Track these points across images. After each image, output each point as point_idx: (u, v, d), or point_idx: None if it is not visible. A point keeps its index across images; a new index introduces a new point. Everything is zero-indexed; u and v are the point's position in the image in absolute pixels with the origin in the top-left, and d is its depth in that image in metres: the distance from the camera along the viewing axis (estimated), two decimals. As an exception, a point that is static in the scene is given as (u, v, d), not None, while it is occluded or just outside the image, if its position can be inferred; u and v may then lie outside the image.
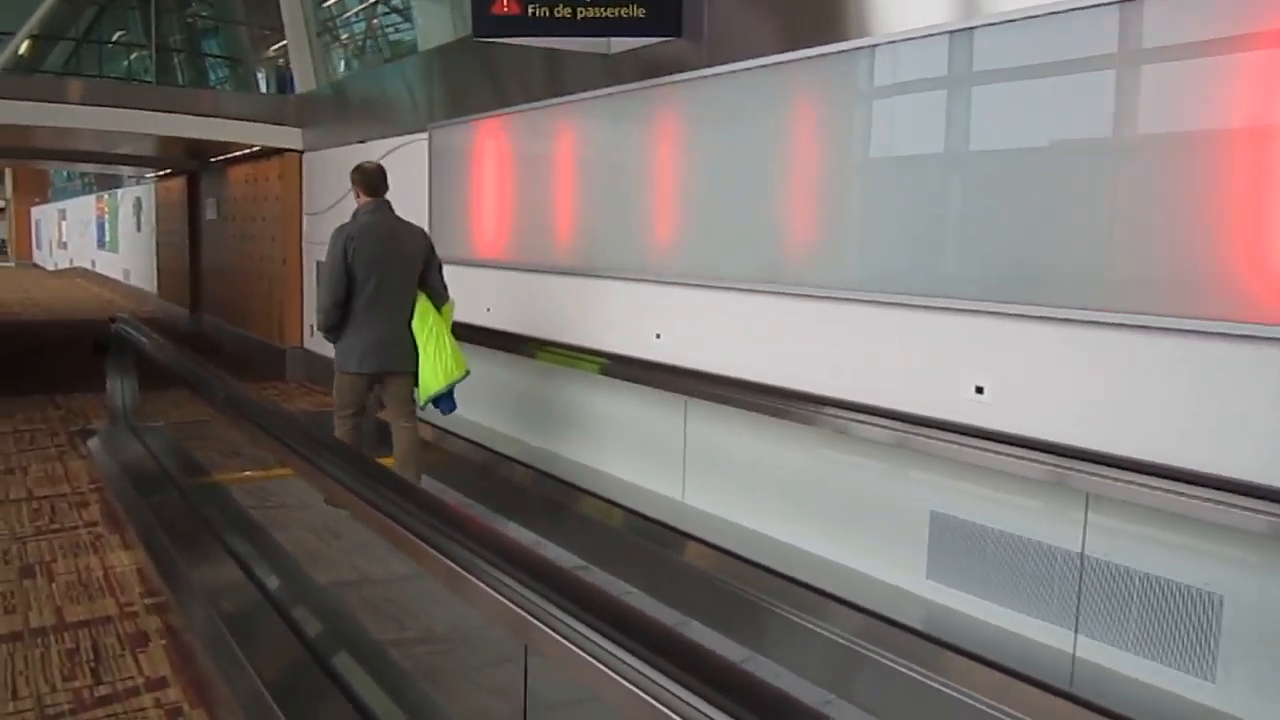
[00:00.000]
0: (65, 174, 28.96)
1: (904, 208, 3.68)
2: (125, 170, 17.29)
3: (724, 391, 4.31)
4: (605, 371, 5.16)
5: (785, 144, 4.17)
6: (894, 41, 3.62)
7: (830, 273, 3.96)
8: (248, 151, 10.37)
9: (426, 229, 6.89)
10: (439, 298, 5.14)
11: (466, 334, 6.33)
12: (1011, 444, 3.32)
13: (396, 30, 10.80)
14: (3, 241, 37.92)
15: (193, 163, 13.31)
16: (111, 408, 6.38)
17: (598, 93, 5.21)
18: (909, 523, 3.72)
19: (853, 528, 3.94)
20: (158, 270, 16.09)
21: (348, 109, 8.75)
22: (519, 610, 1.84)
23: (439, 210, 6.94)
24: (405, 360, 4.99)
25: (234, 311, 11.48)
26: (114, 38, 14.39)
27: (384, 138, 7.85)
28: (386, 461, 6.50)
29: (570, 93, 5.48)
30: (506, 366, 6.15)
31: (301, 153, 9.67)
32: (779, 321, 4.20)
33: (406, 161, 7.50)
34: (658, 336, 4.93)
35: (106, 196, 21.36)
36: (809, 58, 3.98)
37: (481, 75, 6.49)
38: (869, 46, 3.74)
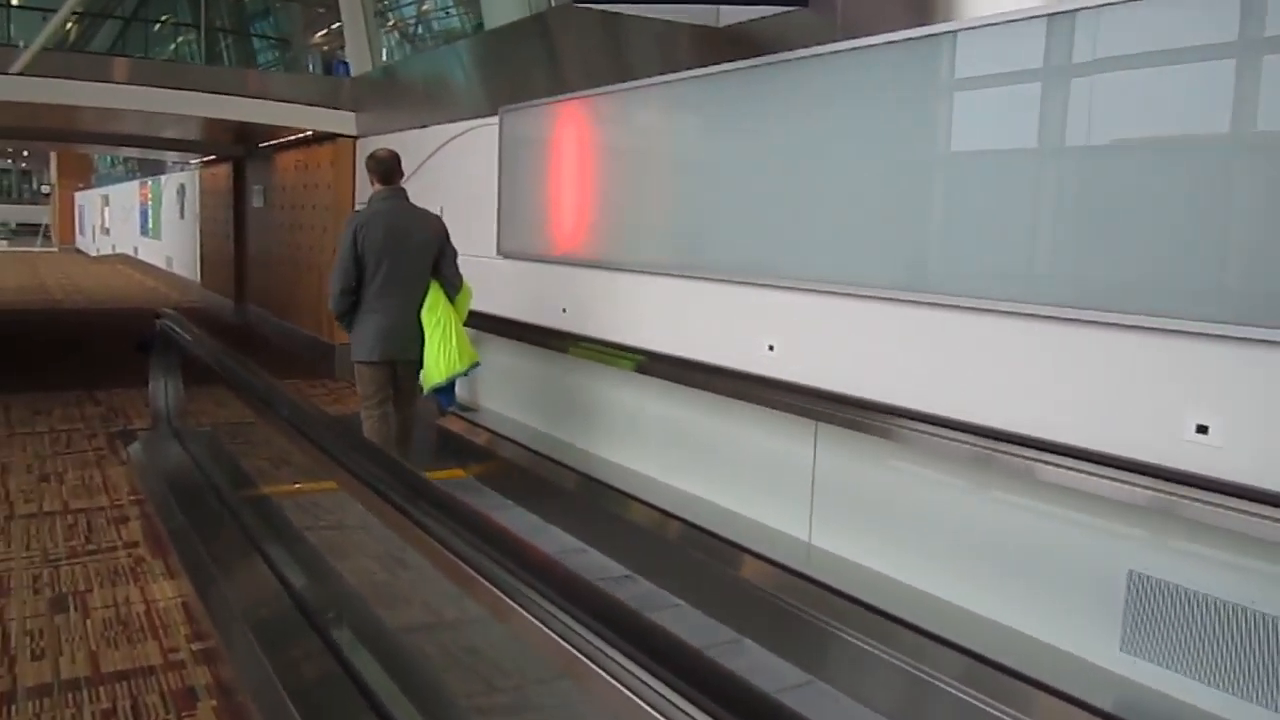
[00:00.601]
0: (109, 159, 28.81)
1: (1122, 207, 3.05)
2: (170, 155, 16.90)
3: (865, 417, 3.70)
4: (706, 385, 4.56)
5: (947, 127, 3.55)
6: (1104, 5, 2.99)
7: (1006, 282, 3.34)
8: (298, 137, 9.87)
9: (495, 221, 6.37)
10: (451, 287, 5.11)
11: (539, 337, 5.78)
12: (1245, 497, 2.70)
13: (447, 14, 10.26)
14: (46, 226, 37.96)
15: (239, 148, 12.86)
16: (154, 410, 5.88)
17: (705, 71, 4.62)
18: (1100, 583, 3.10)
19: (1027, 585, 3.32)
20: (201, 259, 15.69)
21: (406, 92, 8.20)
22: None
23: (509, 201, 6.37)
24: (413, 350, 4.99)
25: (280, 304, 11.01)
26: (161, 19, 13.97)
27: (447, 122, 7.29)
28: (442, 476, 5.98)
29: (667, 71, 4.90)
30: (586, 375, 5.57)
31: (356, 138, 9.15)
32: (936, 336, 3.59)
33: (471, 148, 6.95)
34: (771, 349, 4.33)
35: (150, 182, 21.04)
36: (978, 26, 3.36)
37: (562, 54, 5.91)
38: (1065, 13, 3.11)
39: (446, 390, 5.18)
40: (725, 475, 4.61)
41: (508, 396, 6.52)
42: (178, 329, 5.47)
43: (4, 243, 39.01)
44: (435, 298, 5.03)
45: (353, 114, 9.10)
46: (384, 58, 9.37)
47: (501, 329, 6.34)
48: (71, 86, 7.97)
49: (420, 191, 7.80)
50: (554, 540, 4.91)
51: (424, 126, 7.69)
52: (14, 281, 20.03)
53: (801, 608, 3.66)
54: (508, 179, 6.38)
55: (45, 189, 41.11)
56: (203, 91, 8.61)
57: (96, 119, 10.25)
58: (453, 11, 10.35)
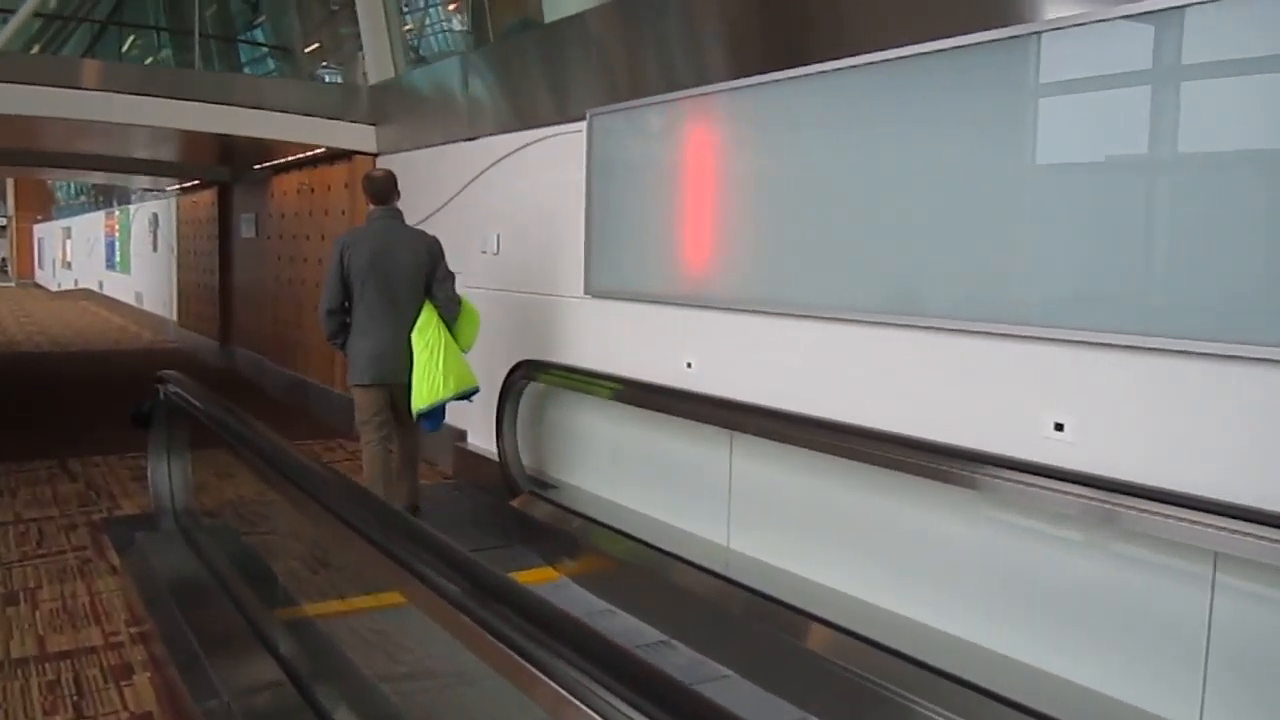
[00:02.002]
0: (71, 188, 27.23)
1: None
2: (140, 181, 15.45)
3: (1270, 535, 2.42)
4: (950, 475, 3.27)
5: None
6: None
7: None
8: (303, 156, 8.52)
9: (577, 253, 5.09)
10: (446, 310, 5.00)
11: (653, 400, 4.47)
12: None
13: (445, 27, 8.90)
14: (3, 260, 36.21)
15: (224, 171, 11.49)
16: (157, 502, 4.49)
17: (903, 52, 3.38)
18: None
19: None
20: (178, 295, 14.22)
21: (442, 101, 6.89)
22: None
23: (602, 228, 5.08)
24: (405, 371, 4.89)
25: (279, 348, 9.61)
26: (140, 24, 12.56)
27: (502, 132, 6.00)
28: (532, 577, 4.66)
29: (841, 56, 3.65)
30: (717, 448, 4.27)
31: (375, 155, 7.82)
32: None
33: (539, 164, 5.67)
34: (1059, 428, 3.06)
35: (118, 212, 19.53)
36: None
37: (676, 40, 4.65)
38: None
39: (432, 415, 4.98)
40: (978, 604, 3.32)
41: (600, 470, 5.20)
42: (189, 397, 4.11)
43: (-42, 278, 37.12)
44: (426, 319, 4.91)
45: (372, 128, 7.77)
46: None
47: (588, 386, 5.04)
48: (35, 94, 6.60)
49: (464, 219, 6.52)
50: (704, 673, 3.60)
51: (472, 139, 6.39)
52: (-32, 321, 18.42)
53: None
54: (600, 200, 5.08)
55: (1, 221, 39.27)
56: (192, 100, 7.23)
57: (62, 135, 8.83)
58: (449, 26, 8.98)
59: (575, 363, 5.22)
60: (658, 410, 4.47)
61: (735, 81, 4.20)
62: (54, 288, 28.93)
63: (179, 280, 14.13)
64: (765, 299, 4.10)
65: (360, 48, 7.99)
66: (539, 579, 4.72)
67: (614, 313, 5.07)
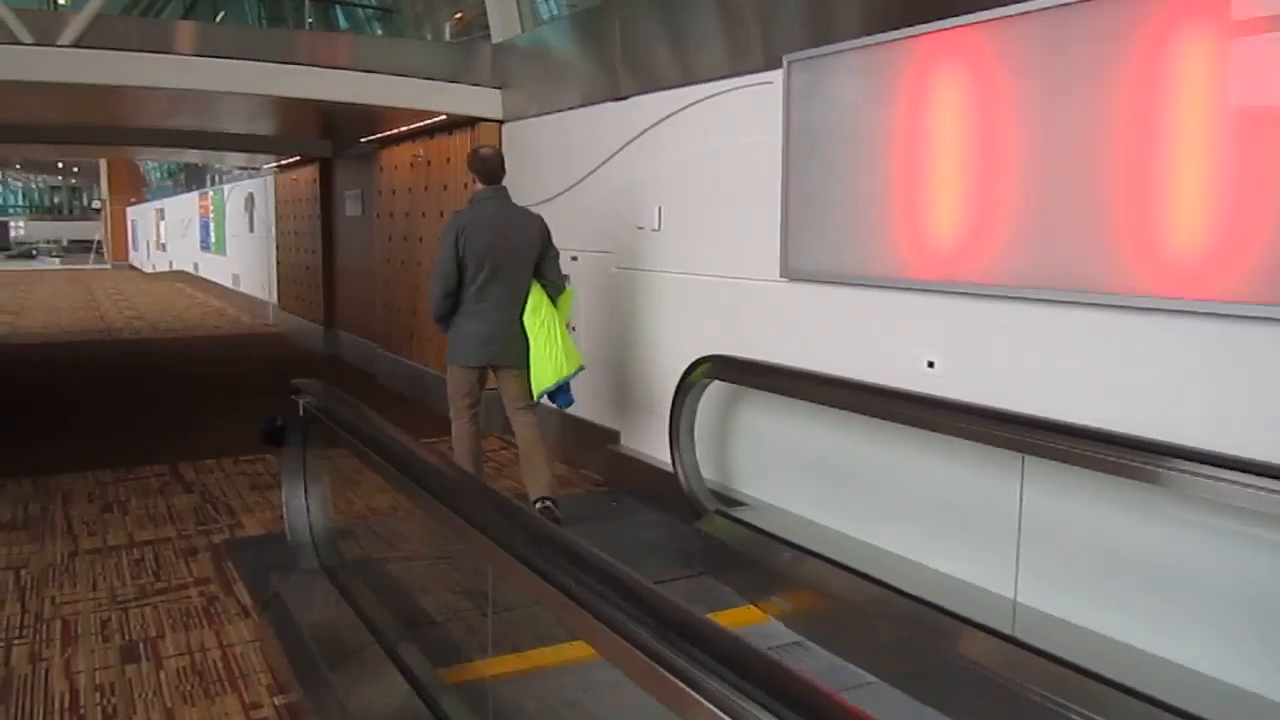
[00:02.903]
0: (162, 170, 27.17)
1: None
2: (235, 160, 14.98)
3: None
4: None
5: None
6: None
7: None
8: (417, 126, 7.78)
9: (771, 229, 4.23)
10: (554, 289, 4.90)
11: (895, 409, 3.61)
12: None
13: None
14: (99, 242, 36.63)
15: (325, 146, 10.84)
16: (293, 536, 3.76)
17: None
18: None
19: None
20: (278, 277, 13.70)
21: (585, 56, 6.07)
22: None
23: (804, 196, 4.21)
24: (516, 355, 4.81)
25: (392, 333, 8.93)
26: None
27: (668, 88, 5.15)
28: (734, 620, 3.85)
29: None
30: (970, 466, 3.39)
31: (501, 123, 7.04)
32: None
33: (716, 124, 4.82)
34: None
35: (211, 193, 19.17)
36: None
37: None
38: None
39: (562, 391, 4.92)
40: None
41: (809, 489, 4.36)
42: (341, 415, 3.37)
43: (57, 260, 37.66)
44: (538, 300, 4.82)
45: (498, 91, 6.99)
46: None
47: (787, 386, 4.19)
48: (134, 62, 5.93)
49: (612, 192, 5.71)
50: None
51: (618, 99, 5.56)
52: (67, 306, 18.23)
53: None
54: (802, 164, 4.22)
55: (96, 204, 39.79)
56: (295, 64, 6.50)
57: (156, 109, 8.20)
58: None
59: (766, 358, 4.37)
60: (903, 421, 3.60)
61: (1015, 6, 3.29)
62: (148, 269, 28.98)
63: (278, 261, 13.59)
64: (1053, 280, 3.21)
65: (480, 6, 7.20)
66: (743, 620, 3.92)
67: (820, 299, 4.21)
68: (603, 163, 5.77)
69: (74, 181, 49.52)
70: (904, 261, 3.76)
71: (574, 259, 6.09)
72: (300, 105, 7.43)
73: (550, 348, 4.77)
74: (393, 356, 8.85)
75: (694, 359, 4.60)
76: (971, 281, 3.51)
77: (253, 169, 15.33)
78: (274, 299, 14.14)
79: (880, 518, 3.94)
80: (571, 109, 6.16)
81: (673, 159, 5.15)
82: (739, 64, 4.63)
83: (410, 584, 4.26)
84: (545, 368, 4.77)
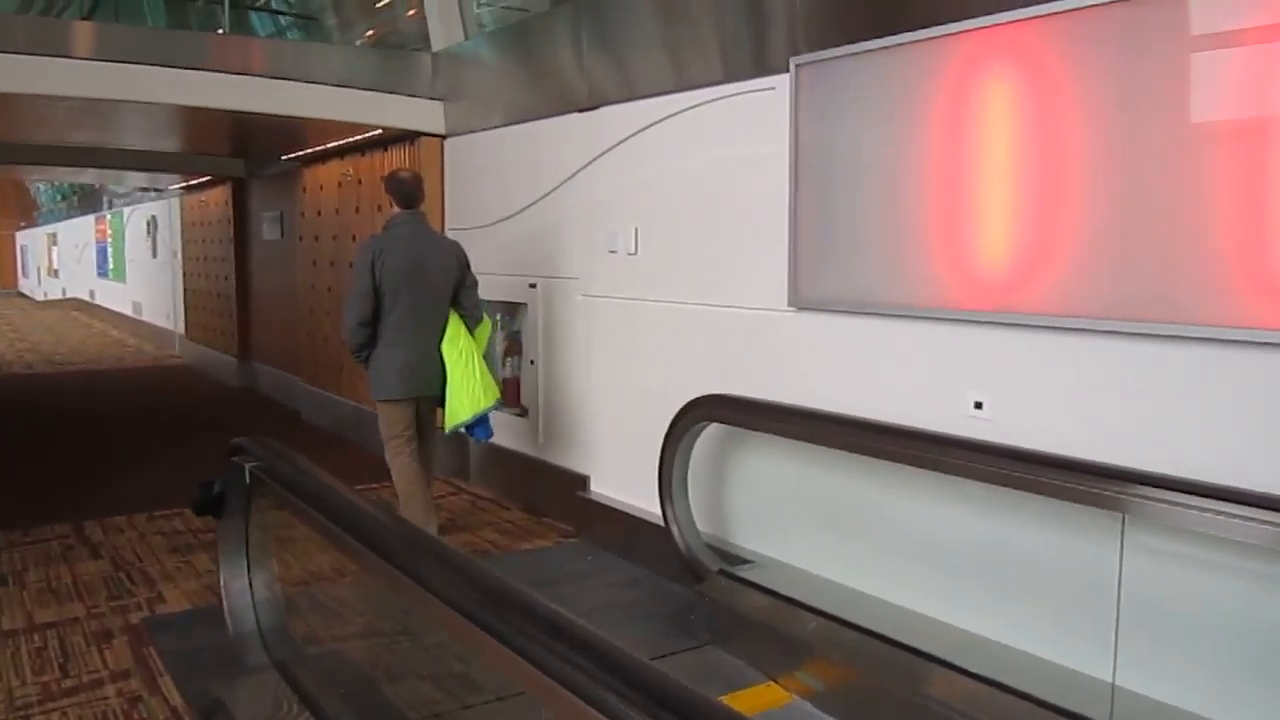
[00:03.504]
0: (54, 193, 25.74)
1: None
2: (135, 180, 13.98)
3: None
4: None
5: None
6: None
7: None
8: (345, 142, 7.15)
9: (779, 248, 3.75)
10: (472, 319, 4.82)
11: (924, 453, 3.15)
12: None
13: None
14: (-15, 269, 34.71)
15: (237, 165, 10.10)
16: (236, 628, 3.12)
17: None
18: None
19: None
20: (185, 305, 12.80)
21: (546, 62, 5.53)
22: None
23: (817, 214, 3.74)
24: (434, 383, 4.70)
25: (316, 365, 8.23)
26: None
27: (648, 96, 4.65)
28: (751, 702, 3.33)
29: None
30: (1018, 521, 2.94)
31: (443, 137, 6.46)
32: None
33: (707, 134, 4.34)
34: None
35: (109, 216, 18.06)
36: None
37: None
38: None
39: (480, 426, 4.84)
40: None
41: (821, 543, 3.87)
42: (292, 482, 2.76)
43: (-62, 289, 35.50)
44: (456, 329, 4.74)
45: (439, 103, 6.41)
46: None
47: (808, 430, 3.70)
48: (22, 66, 5.21)
49: (577, 212, 5.16)
50: None
51: (586, 110, 5.04)
52: (-49, 337, 16.94)
53: None
54: (814, 178, 3.74)
55: (-19, 229, 37.68)
56: (209, 70, 5.81)
57: (47, 121, 7.40)
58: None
59: (774, 398, 3.87)
60: (956, 472, 3.12)
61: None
62: (40, 297, 27.41)
63: (186, 289, 12.69)
64: (1133, 310, 2.77)
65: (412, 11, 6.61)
66: (764, 701, 3.41)
67: (839, 331, 3.73)
68: (565, 180, 5.24)
69: (-43, 205, 46.95)
70: (945, 289, 3.31)
71: (532, 286, 5.54)
72: (214, 118, 6.73)
73: (468, 380, 4.68)
74: (319, 391, 8.15)
75: (678, 397, 4.09)
76: (1030, 311, 3.06)
77: (155, 190, 14.38)
78: (180, 329, 13.22)
79: (925, 580, 3.46)
80: (525, 122, 5.62)
81: (651, 175, 4.64)
82: (734, 69, 4.15)
83: (374, 670, 3.63)
84: (462, 400, 4.68)
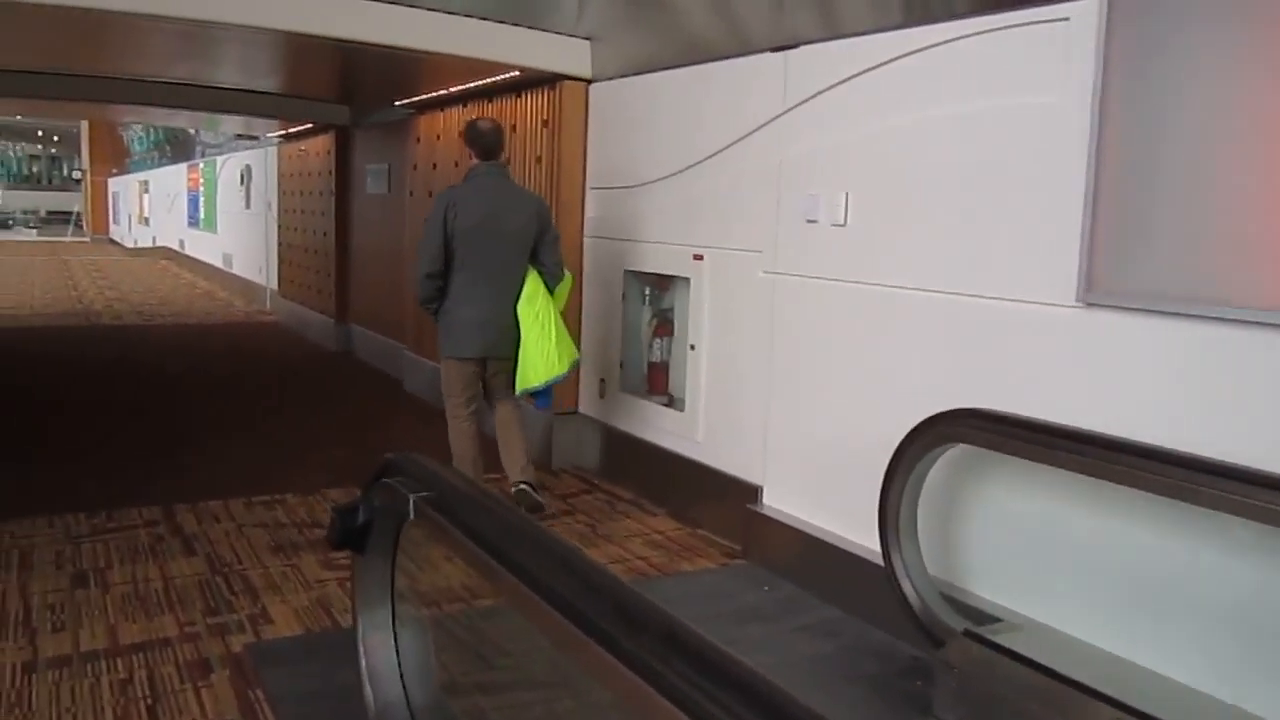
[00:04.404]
0: (146, 140, 25.59)
1: None
2: (231, 126, 13.43)
3: None
4: None
5: None
6: None
7: None
8: (470, 86, 6.37)
9: (1080, 225, 2.83)
10: (552, 276, 4.61)
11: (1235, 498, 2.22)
12: None
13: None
14: (78, 214, 34.96)
15: (341, 112, 9.39)
16: (378, 700, 2.35)
17: None
18: None
19: None
20: (279, 260, 12.22)
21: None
22: None
23: (1134, 187, 2.83)
24: (509, 344, 4.53)
25: (422, 333, 7.50)
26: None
27: (865, 32, 3.76)
28: None
29: None
30: None
31: (589, 81, 5.63)
32: None
33: (951, 81, 3.44)
34: None
35: (202, 165, 17.62)
36: None
37: None
38: None
39: (544, 393, 4.61)
40: None
41: (1094, 600, 2.99)
42: (457, 515, 1.96)
43: (34, 232, 35.88)
44: (534, 288, 4.54)
45: (586, 42, 5.58)
46: None
47: (1091, 462, 2.80)
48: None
49: (762, 173, 4.27)
50: None
51: (782, 48, 4.16)
52: (41, 282, 16.67)
53: None
54: (1130, 137, 2.83)
55: (76, 175, 38.03)
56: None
57: (153, 50, 6.73)
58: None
59: (1061, 420, 2.99)
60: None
61: None
62: (129, 244, 27.34)
63: (280, 243, 12.10)
64: None
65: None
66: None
67: (1154, 338, 2.83)
68: (747, 134, 4.39)
69: (54, 151, 47.55)
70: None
71: (697, 258, 4.71)
72: (319, 52, 5.96)
73: (543, 341, 4.49)
74: (425, 361, 7.43)
75: (896, 405, 3.29)
76: None
77: (250, 137, 13.83)
78: (273, 284, 12.66)
79: (1252, 663, 2.58)
80: (694, 64, 4.77)
81: (872, 130, 3.76)
82: (999, -6, 3.24)
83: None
84: (536, 363, 4.49)
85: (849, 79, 3.84)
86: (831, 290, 3.95)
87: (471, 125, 4.66)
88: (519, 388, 4.58)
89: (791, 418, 4.20)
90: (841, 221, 3.88)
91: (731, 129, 4.47)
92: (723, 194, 4.55)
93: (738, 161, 4.45)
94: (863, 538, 3.67)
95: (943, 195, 3.47)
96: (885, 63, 3.68)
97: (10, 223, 40.19)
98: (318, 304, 10.55)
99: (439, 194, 4.61)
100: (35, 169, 48.53)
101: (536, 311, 4.52)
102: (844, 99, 3.87)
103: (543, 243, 4.59)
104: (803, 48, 4.08)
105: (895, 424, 3.24)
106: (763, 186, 4.28)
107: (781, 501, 4.28)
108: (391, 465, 2.28)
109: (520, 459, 4.64)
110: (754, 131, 4.34)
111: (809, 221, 4.03)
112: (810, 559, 4.00)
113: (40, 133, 46.01)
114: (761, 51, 4.30)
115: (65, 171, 44.95)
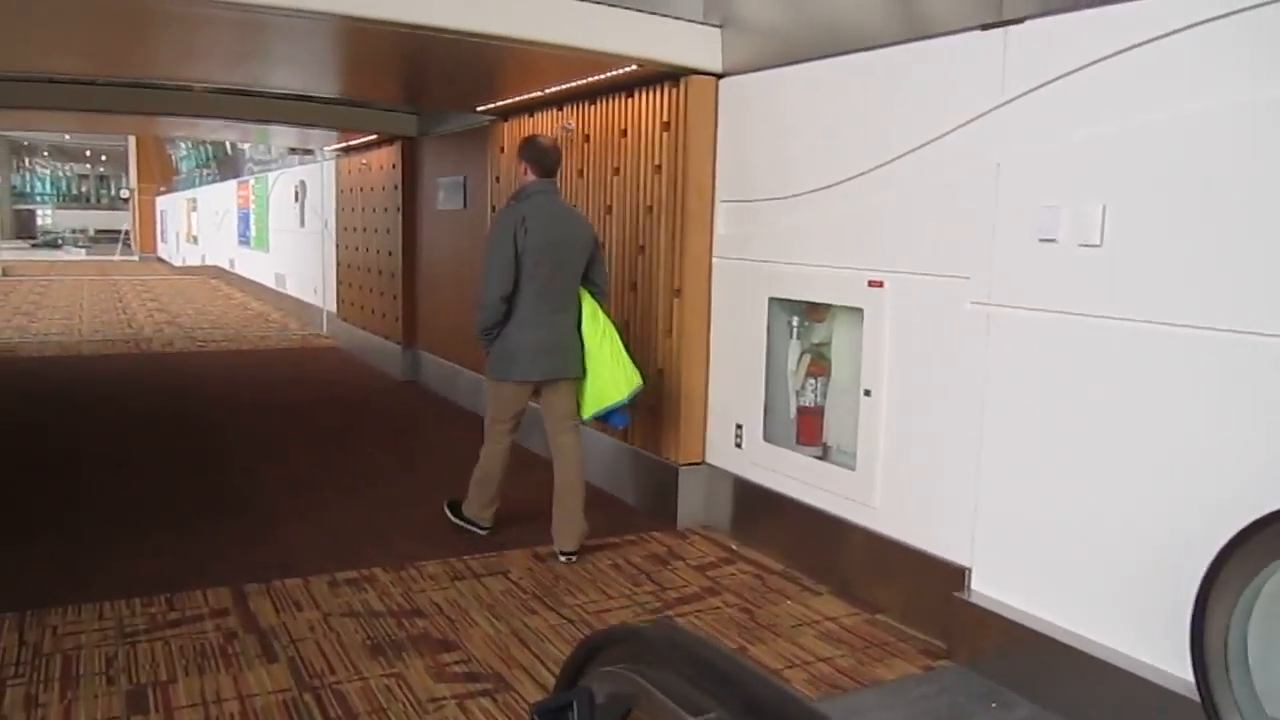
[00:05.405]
0: (193, 158, 25.18)
1: None
2: (284, 139, 12.74)
3: None
4: None
5: None
6: None
7: None
8: (568, 86, 5.58)
9: None
10: (603, 295, 4.52)
11: None
12: None
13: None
14: (127, 233, 34.79)
15: (409, 121, 8.65)
16: None
17: None
18: None
19: None
20: (337, 281, 11.51)
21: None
22: None
23: None
24: (576, 364, 4.41)
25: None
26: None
27: (1110, 1, 2.90)
28: None
29: None
30: None
31: (720, 76, 4.81)
32: None
33: (1240, 66, 2.54)
34: None
35: (253, 181, 17.04)
36: None
37: None
38: None
39: (616, 412, 4.43)
40: None
41: None
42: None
43: (83, 251, 35.75)
44: (595, 307, 4.43)
45: (716, 30, 4.76)
46: None
47: None
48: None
49: (976, 176, 3.30)
50: None
51: (994, 25, 3.32)
52: (90, 305, 16.13)
53: None
54: None
55: (124, 193, 37.92)
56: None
57: (204, 49, 6.00)
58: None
59: None
60: None
61: None
62: (177, 263, 26.98)
63: (338, 262, 11.40)
64: None
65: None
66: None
67: None
68: (945, 132, 3.54)
69: (102, 170, 47.62)
70: None
71: (874, 284, 3.86)
72: (385, 44, 5.13)
73: (616, 359, 4.40)
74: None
75: (1182, 478, 2.44)
76: None
77: (305, 152, 13.17)
78: (329, 306, 11.98)
79: None
80: (863, 50, 3.93)
81: (1136, 125, 2.90)
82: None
83: None
84: (605, 383, 4.38)
85: (1099, 60, 2.97)
86: (1079, 327, 3.08)
87: (533, 141, 4.52)
88: (594, 406, 4.43)
89: (1016, 485, 3.34)
90: (1096, 241, 3.01)
91: (925, 126, 3.63)
92: (912, 206, 3.71)
93: (934, 165, 3.60)
94: (1133, 648, 2.81)
95: (1246, 207, 2.60)
96: (1151, 39, 2.81)
97: (60, 242, 40.20)
98: (380, 328, 9.82)
99: (501, 211, 4.49)
100: (84, 188, 48.70)
101: (601, 329, 4.42)
102: (1091, 86, 3.01)
103: (595, 262, 4.49)
104: (1029, 22, 3.23)
105: (1183, 502, 2.40)
106: (971, 196, 3.43)
107: (1001, 590, 3.41)
108: (599, 646, 1.45)
109: (576, 518, 4.40)
110: (958, 128, 3.49)
111: (1043, 241, 3.17)
112: (1048, 665, 3.14)
113: (88, 152, 46.14)
114: (967, 30, 3.44)
115: (113, 190, 45.02)
